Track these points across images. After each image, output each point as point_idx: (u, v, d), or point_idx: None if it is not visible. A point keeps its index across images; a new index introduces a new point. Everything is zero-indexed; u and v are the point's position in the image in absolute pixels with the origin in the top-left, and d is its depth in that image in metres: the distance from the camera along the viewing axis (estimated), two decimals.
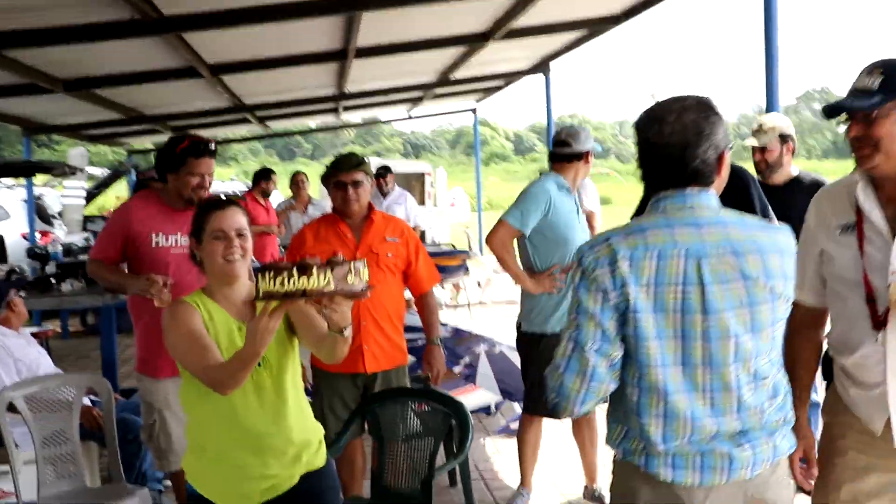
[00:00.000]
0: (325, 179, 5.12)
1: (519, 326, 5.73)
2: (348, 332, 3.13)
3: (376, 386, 5.04)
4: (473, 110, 20.44)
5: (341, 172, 5.00)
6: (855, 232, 3.06)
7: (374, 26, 9.08)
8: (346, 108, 17.53)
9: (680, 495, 2.60)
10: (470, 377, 6.87)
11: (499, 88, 17.28)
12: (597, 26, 10.85)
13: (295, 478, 3.37)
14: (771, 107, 6.52)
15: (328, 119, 21.74)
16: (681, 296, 2.52)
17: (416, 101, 17.95)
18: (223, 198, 3.45)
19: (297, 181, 11.85)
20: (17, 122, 14.14)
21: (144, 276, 4.60)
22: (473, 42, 10.82)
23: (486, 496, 6.10)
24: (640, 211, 5.43)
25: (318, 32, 9.38)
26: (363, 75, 12.67)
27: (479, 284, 15.39)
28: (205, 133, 21.84)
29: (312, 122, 24.54)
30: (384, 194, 11.99)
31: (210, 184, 4.90)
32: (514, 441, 7.11)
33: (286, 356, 3.38)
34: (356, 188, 4.98)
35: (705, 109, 2.63)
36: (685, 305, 2.52)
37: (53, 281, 7.93)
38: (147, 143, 21.06)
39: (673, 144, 2.60)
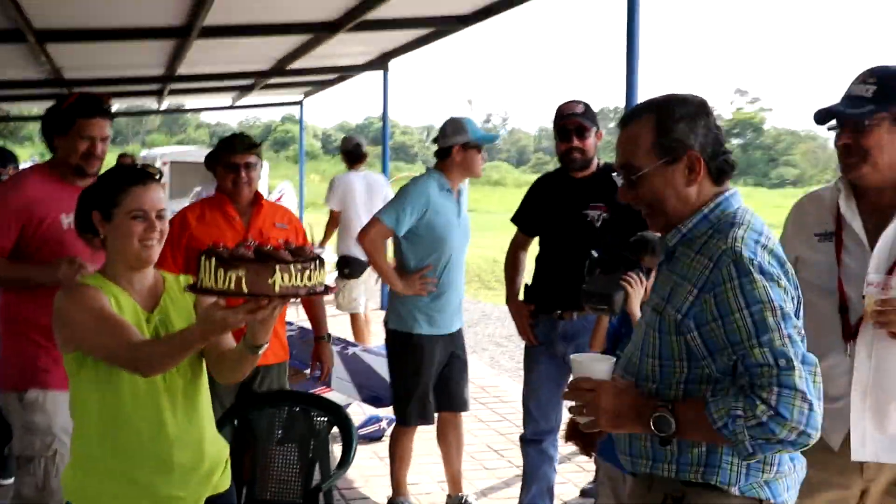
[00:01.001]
0: (213, 160, 4.77)
1: (386, 324, 5.46)
2: (262, 351, 2.70)
3: (256, 381, 4.67)
4: (300, 104, 19.90)
5: (235, 154, 4.67)
6: (833, 240, 3.03)
7: (229, 4, 8.50)
8: (172, 92, 16.73)
9: None
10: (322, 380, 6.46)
11: (331, 83, 16.81)
12: (444, 25, 10.59)
13: (200, 502, 2.90)
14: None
15: (146, 101, 20.72)
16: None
17: (244, 90, 17.30)
18: (142, 170, 2.93)
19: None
20: None
21: (66, 259, 3.82)
22: (320, 31, 10.34)
23: None
24: (520, 213, 5.16)
25: (164, 4, 8.73)
26: (199, 57, 11.99)
27: None
28: (7, 107, 20.55)
29: (117, 105, 23.32)
30: None
31: (104, 151, 4.18)
32: (363, 448, 6.79)
33: (199, 361, 2.94)
34: (248, 171, 4.68)
35: None
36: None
37: None
38: None
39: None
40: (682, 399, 2.40)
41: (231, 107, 21.23)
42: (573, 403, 2.45)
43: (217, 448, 2.99)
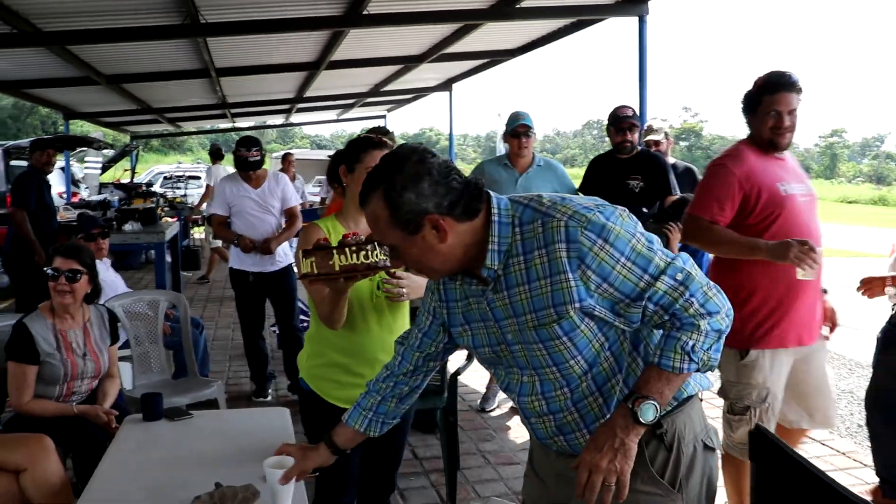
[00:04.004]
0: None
1: None
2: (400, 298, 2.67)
3: None
4: (384, 117, 19.82)
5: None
6: None
7: (351, 44, 8.50)
8: (298, 111, 16.71)
9: None
10: None
11: (408, 101, 16.73)
12: (497, 57, 10.48)
13: None
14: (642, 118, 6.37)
15: (267, 119, 20.63)
16: None
17: (347, 108, 17.26)
18: (381, 140, 2.78)
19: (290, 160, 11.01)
20: (60, 109, 13.11)
21: (796, 241, 2.87)
22: (410, 62, 10.30)
23: None
24: (583, 185, 5.12)
25: (306, 44, 8.73)
26: (321, 84, 12.00)
27: None
28: (190, 126, 20.58)
29: (245, 123, 22.95)
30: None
31: (793, 124, 3.09)
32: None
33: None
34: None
35: None
36: None
37: (115, 223, 7.13)
38: (142, 130, 19.85)
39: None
40: (620, 370, 1.76)
41: (335, 120, 21.22)
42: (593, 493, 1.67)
43: None
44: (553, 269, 1.65)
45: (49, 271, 3.37)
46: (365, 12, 6.79)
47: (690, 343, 1.65)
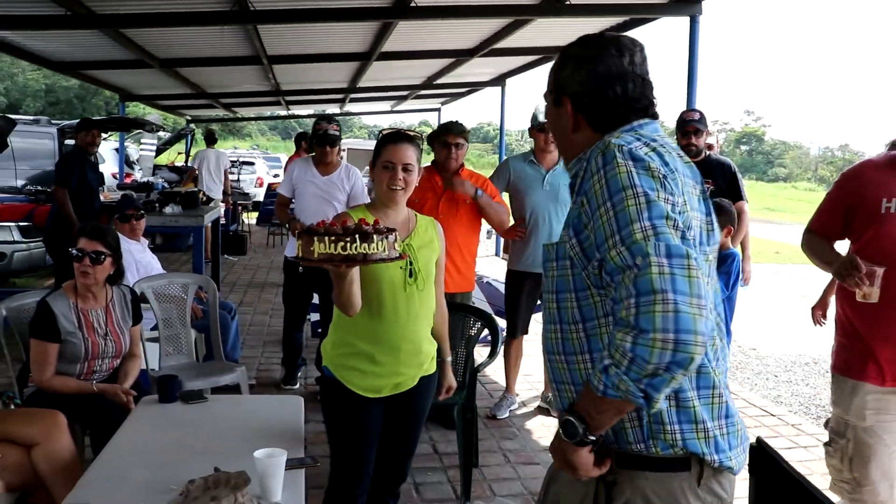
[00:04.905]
0: (434, 138, 4.64)
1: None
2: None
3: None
4: (438, 110, 19.79)
5: (449, 135, 4.55)
6: None
7: (400, 36, 8.50)
8: (352, 100, 16.80)
9: None
10: None
11: (462, 95, 16.66)
12: (549, 53, 10.36)
13: (416, 379, 2.81)
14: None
15: (326, 108, 20.76)
16: None
17: (400, 100, 17.30)
18: (400, 132, 2.78)
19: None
20: (116, 90, 13.43)
21: (845, 258, 2.76)
22: (461, 56, 10.26)
23: (480, 388, 5.68)
24: None
25: (356, 35, 8.76)
26: (373, 75, 12.03)
27: None
28: (248, 111, 20.93)
29: (303, 111, 22.99)
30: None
31: None
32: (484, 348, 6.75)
33: (433, 274, 2.81)
34: (457, 149, 4.56)
35: None
36: None
37: (157, 205, 7.28)
38: (200, 114, 20.23)
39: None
40: (589, 352, 1.56)
41: (390, 112, 21.27)
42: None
43: (430, 345, 2.87)
44: (580, 188, 1.59)
45: (73, 251, 3.45)
46: (413, 4, 6.78)
47: (606, 361, 1.39)
